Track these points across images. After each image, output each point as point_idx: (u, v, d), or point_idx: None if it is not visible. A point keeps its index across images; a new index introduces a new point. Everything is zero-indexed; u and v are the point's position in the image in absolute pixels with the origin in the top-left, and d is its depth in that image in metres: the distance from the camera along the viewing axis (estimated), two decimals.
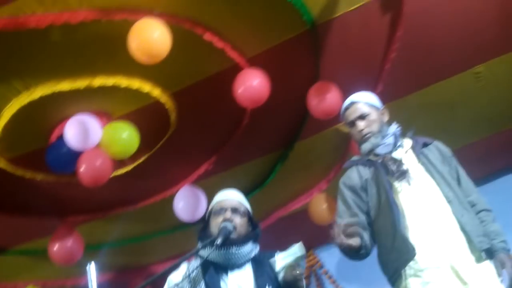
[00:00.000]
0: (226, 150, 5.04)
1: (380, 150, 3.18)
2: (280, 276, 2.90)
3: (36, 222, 5.26)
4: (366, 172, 3.15)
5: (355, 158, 3.41)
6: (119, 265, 6.24)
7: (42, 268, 5.89)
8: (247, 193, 4.08)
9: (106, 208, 5.36)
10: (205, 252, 2.92)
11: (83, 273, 5.87)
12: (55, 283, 6.14)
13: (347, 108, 3.39)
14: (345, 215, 3.11)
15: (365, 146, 3.21)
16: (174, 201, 5.15)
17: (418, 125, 5.18)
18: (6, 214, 5.08)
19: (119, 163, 4.71)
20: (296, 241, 3.16)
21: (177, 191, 5.19)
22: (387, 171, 3.05)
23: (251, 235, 3.01)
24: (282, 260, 2.94)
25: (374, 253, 6.19)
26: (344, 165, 3.46)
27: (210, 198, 5.09)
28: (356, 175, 3.20)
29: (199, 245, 2.95)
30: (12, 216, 5.12)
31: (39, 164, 4.54)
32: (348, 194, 3.16)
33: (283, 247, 3.12)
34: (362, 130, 3.24)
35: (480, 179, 6.01)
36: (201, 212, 5.11)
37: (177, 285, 2.90)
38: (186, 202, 5.10)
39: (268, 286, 2.84)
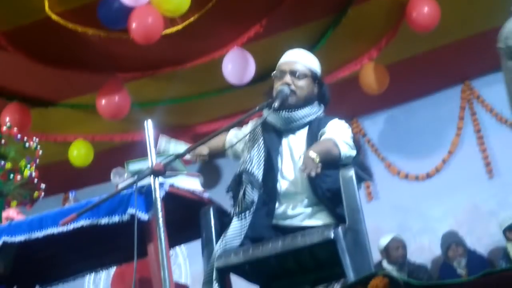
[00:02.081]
0: (277, 13, 4.93)
1: None
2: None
3: (86, 76, 5.33)
4: None
5: None
6: (166, 124, 6.32)
7: (91, 122, 6.02)
8: None
9: (155, 67, 5.37)
10: (266, 113, 2.93)
11: (130, 129, 6.12)
12: (103, 137, 6.28)
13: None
14: None
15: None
16: (223, 63, 5.11)
17: None
18: (57, 67, 5.14)
19: (170, 21, 4.64)
20: (341, 109, 3.09)
21: (226, 53, 5.14)
22: None
23: (312, 97, 2.95)
24: (330, 130, 2.87)
25: (418, 124, 6.25)
26: None
27: (260, 61, 5.12)
28: None
29: (261, 105, 2.93)
30: (63, 69, 5.18)
31: (91, 18, 4.52)
32: None
33: (328, 114, 3.08)
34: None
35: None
36: (249, 75, 5.08)
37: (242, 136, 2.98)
38: (234, 65, 5.06)
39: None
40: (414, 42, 5.45)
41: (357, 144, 2.94)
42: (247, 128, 3.08)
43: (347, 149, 2.77)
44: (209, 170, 5.83)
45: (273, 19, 5.00)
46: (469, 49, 5.66)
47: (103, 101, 5.23)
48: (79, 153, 5.98)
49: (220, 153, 3.19)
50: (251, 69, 5.04)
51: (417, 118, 6.31)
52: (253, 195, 2.75)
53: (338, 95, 5.74)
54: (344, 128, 2.86)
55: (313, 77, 2.99)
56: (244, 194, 2.76)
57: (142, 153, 3.27)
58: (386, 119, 6.52)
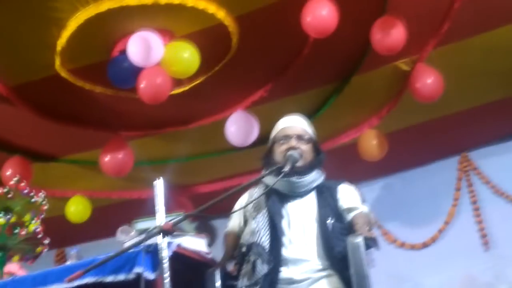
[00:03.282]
0: (283, 78, 5.03)
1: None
2: (347, 216, 2.90)
3: (90, 133, 5.37)
4: None
5: None
6: (166, 183, 6.35)
7: (90, 179, 6.05)
8: None
9: (159, 126, 5.43)
10: (269, 180, 2.94)
11: (130, 186, 6.14)
12: (102, 194, 6.29)
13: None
14: None
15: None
16: (227, 124, 5.18)
17: (478, 69, 5.17)
18: (62, 123, 5.19)
19: (176, 81, 4.73)
20: (339, 175, 3.13)
21: (230, 115, 5.21)
22: None
23: (316, 163, 3.00)
24: (347, 198, 2.93)
25: (415, 193, 6.26)
26: None
27: (263, 124, 5.19)
28: None
29: (264, 172, 2.95)
30: (68, 125, 5.23)
31: (99, 76, 4.60)
32: None
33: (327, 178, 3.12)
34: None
35: None
36: (252, 137, 5.14)
37: (242, 208, 2.96)
38: (238, 127, 5.12)
39: (331, 219, 2.85)
40: (414, 112, 5.54)
41: None
42: (243, 199, 3.07)
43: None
44: (204, 229, 5.82)
45: (278, 85, 5.10)
46: (468, 121, 5.77)
47: (107, 158, 5.26)
48: (77, 208, 5.97)
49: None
50: (254, 132, 5.10)
51: (414, 187, 6.36)
52: (263, 269, 2.73)
53: (336, 161, 5.87)
54: (357, 194, 2.91)
55: (314, 142, 3.05)
56: (253, 267, 2.76)
57: (142, 211, 3.32)
58: (383, 187, 6.56)
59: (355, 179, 6.50)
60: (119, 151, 5.33)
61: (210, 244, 6.25)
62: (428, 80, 4.93)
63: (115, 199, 6.33)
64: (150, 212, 2.97)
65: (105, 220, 5.93)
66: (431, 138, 6.04)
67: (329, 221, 2.84)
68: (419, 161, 6.37)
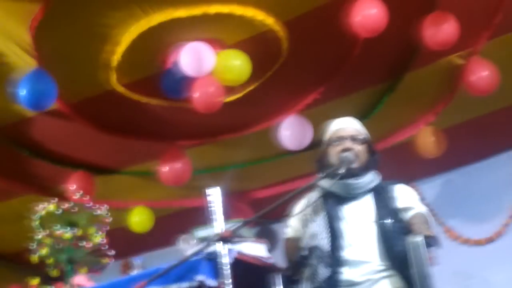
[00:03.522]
0: (335, 80, 5.02)
1: None
2: (404, 216, 2.89)
3: (147, 145, 5.48)
4: None
5: None
6: (224, 189, 6.41)
7: (151, 189, 6.16)
8: None
9: (215, 134, 5.50)
10: (325, 183, 2.94)
11: (190, 194, 6.23)
12: (162, 204, 6.40)
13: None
14: None
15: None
16: (281, 129, 5.20)
17: None
18: (121, 136, 5.32)
19: (229, 90, 4.79)
20: (398, 174, 3.11)
21: (284, 119, 5.24)
22: None
23: (371, 163, 2.99)
24: (403, 198, 2.92)
25: (477, 188, 6.17)
26: None
27: (316, 127, 5.19)
28: None
29: (319, 175, 2.96)
30: (126, 138, 5.35)
31: (153, 89, 4.70)
32: None
33: (385, 179, 3.10)
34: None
35: None
36: (307, 140, 5.15)
37: (301, 207, 2.97)
38: (292, 131, 5.14)
39: (391, 219, 2.84)
40: (470, 105, 5.45)
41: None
42: (300, 205, 3.05)
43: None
44: (264, 235, 5.85)
45: (330, 87, 5.10)
46: None
47: (165, 169, 5.36)
48: (140, 219, 6.09)
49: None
50: (308, 135, 5.12)
51: (475, 182, 6.24)
52: (325, 273, 2.74)
53: (394, 161, 5.82)
54: (414, 194, 2.89)
55: (368, 143, 3.04)
56: (315, 271, 2.76)
57: (202, 219, 3.37)
58: (444, 183, 6.46)
59: (414, 177, 6.54)
60: (177, 161, 5.41)
61: (271, 249, 6.31)
62: (483, 73, 4.85)
63: (176, 208, 6.44)
64: (210, 219, 3.01)
65: (167, 229, 6.03)
66: (490, 131, 5.91)
67: (388, 221, 2.83)
68: (479, 156, 6.25)
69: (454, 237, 6.22)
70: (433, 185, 6.46)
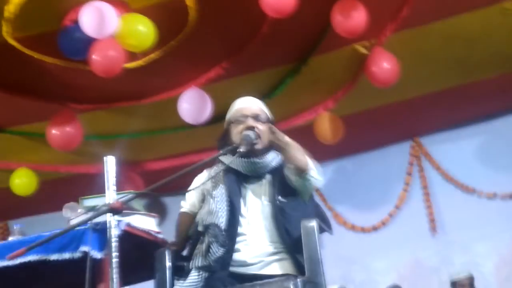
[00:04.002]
0: (240, 56, 4.94)
1: None
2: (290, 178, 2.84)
3: (38, 105, 5.19)
4: None
5: None
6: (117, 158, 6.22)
7: (38, 152, 5.87)
8: None
9: (111, 100, 5.29)
10: (227, 159, 2.88)
11: (79, 161, 5.99)
12: (49, 168, 6.12)
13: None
14: None
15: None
16: (180, 101, 5.08)
17: (437, 56, 5.20)
18: (10, 93, 5.00)
19: (130, 55, 4.60)
20: None
21: (184, 91, 5.11)
22: None
23: (269, 143, 2.94)
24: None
25: (367, 176, 6.30)
26: None
27: (217, 103, 5.11)
28: None
29: (220, 152, 2.88)
30: (15, 95, 5.03)
31: (50, 46, 4.43)
32: None
33: None
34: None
35: (483, 117, 6.12)
36: (206, 115, 5.06)
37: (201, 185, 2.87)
38: (192, 104, 5.03)
39: (281, 197, 2.80)
40: (369, 95, 5.54)
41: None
42: (200, 179, 2.98)
43: (315, 170, 2.80)
44: (154, 207, 5.74)
45: (234, 62, 5.02)
46: (422, 106, 5.81)
47: (55, 131, 5.10)
48: (22, 181, 5.80)
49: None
50: (208, 110, 5.03)
51: (366, 170, 6.40)
52: (218, 253, 2.66)
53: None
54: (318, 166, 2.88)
55: (271, 123, 3.00)
56: (208, 248, 2.69)
57: (91, 187, 3.21)
58: (335, 169, 6.58)
59: None
60: (68, 125, 5.17)
61: (160, 222, 6.21)
62: (384, 65, 4.93)
63: (63, 173, 6.17)
64: (99, 188, 2.86)
65: (52, 195, 5.80)
66: (384, 122, 6.07)
67: (283, 200, 2.80)
68: (372, 145, 6.41)
69: (341, 223, 6.35)
70: (325, 171, 6.51)
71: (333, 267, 6.08)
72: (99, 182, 2.84)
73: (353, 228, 6.36)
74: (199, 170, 2.97)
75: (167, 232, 3.11)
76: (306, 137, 5.62)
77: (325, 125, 5.49)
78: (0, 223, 6.99)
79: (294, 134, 5.56)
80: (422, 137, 6.38)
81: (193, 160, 5.86)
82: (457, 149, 6.14)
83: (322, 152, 6.24)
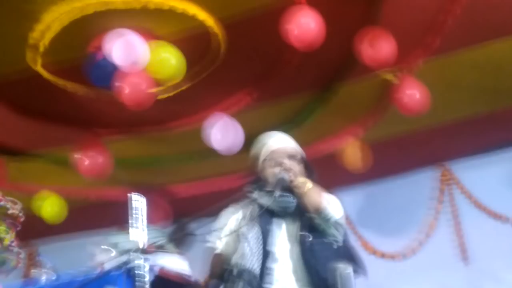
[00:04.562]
0: (267, 84, 4.94)
1: None
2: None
3: (67, 131, 5.22)
4: None
5: None
6: (140, 182, 6.24)
7: (62, 176, 5.88)
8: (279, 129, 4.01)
9: (139, 127, 5.31)
10: (264, 199, 2.84)
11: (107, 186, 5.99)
12: (74, 192, 6.13)
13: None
14: None
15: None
16: (212, 131, 5.05)
17: (466, 83, 5.15)
18: (38, 120, 5.04)
19: (159, 87, 4.62)
20: (320, 182, 3.06)
21: (214, 120, 5.10)
22: None
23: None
24: None
25: (396, 203, 6.21)
26: None
27: (244, 130, 5.08)
28: None
29: (255, 193, 2.86)
30: (41, 121, 5.07)
31: (80, 76, 4.47)
32: None
33: None
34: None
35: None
36: (238, 146, 5.02)
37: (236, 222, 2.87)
38: (225, 135, 5.00)
39: (310, 237, 2.78)
40: (397, 122, 5.49)
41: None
42: (233, 216, 2.96)
43: (332, 205, 2.77)
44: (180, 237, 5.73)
45: (262, 90, 5.02)
46: (452, 132, 5.74)
47: (86, 162, 5.11)
48: (53, 209, 5.81)
49: None
50: (240, 141, 4.99)
51: (395, 197, 6.32)
52: None
53: (317, 166, 5.82)
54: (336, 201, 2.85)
55: (305, 162, 2.97)
56: None
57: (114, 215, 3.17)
58: (365, 196, 6.51)
59: (334, 186, 6.54)
60: (98, 152, 5.18)
61: (188, 248, 6.18)
62: (413, 93, 4.87)
63: (92, 199, 6.19)
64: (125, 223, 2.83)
65: (78, 221, 5.84)
66: (413, 148, 6.01)
67: (310, 239, 2.77)
68: (401, 171, 6.34)
69: (371, 251, 6.27)
70: (354, 197, 6.49)
71: None
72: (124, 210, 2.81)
73: (383, 256, 6.27)
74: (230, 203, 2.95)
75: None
76: (333, 162, 5.64)
77: (354, 153, 5.44)
78: (29, 250, 7.00)
79: (321, 160, 5.62)
80: (453, 164, 6.29)
81: (220, 185, 5.88)
82: (487, 176, 6.05)
83: (350, 177, 6.24)
